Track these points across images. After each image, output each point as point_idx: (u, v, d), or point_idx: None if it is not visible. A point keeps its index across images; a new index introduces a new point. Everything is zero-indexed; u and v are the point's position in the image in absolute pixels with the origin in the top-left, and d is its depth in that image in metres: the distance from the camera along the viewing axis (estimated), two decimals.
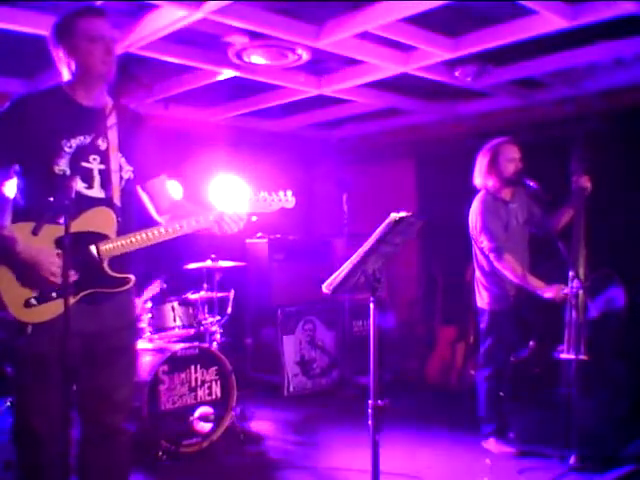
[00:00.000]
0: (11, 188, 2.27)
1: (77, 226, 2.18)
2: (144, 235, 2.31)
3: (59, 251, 2.14)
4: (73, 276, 2.14)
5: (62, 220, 1.97)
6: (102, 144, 2.30)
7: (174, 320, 4.35)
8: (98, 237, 2.24)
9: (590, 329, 3.79)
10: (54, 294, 2.15)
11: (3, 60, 4.38)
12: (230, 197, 5.53)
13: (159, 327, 4.30)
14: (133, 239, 2.28)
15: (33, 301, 2.13)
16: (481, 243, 3.85)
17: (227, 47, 4.19)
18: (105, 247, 2.24)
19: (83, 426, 2.34)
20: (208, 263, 4.55)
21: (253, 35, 3.98)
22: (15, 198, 2.26)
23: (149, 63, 4.29)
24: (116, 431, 2.37)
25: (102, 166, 2.29)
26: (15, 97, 2.26)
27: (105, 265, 2.25)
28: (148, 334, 4.25)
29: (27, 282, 2.13)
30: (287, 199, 2.58)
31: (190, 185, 5.44)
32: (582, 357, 3.64)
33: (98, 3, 3.43)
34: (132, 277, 2.33)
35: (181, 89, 5.03)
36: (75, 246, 2.14)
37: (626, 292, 4.12)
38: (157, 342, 4.28)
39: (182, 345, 4.12)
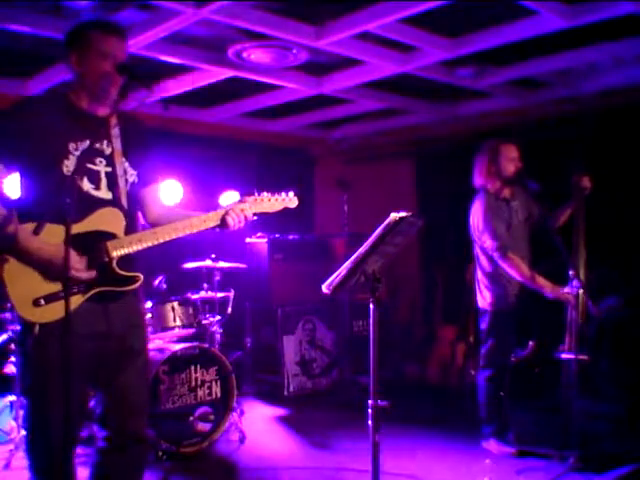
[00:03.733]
0: (11, 183, 2.27)
1: (87, 225, 2.21)
2: (152, 234, 2.32)
3: (74, 254, 2.15)
4: (91, 274, 2.18)
5: (68, 219, 1.98)
6: (107, 149, 2.32)
7: (174, 320, 4.35)
8: (107, 236, 2.26)
9: (590, 329, 3.80)
10: (62, 294, 2.15)
11: (3, 60, 4.38)
12: (229, 196, 5.55)
13: (159, 327, 4.30)
14: (142, 238, 2.30)
15: (41, 301, 2.13)
16: (484, 243, 3.84)
17: (227, 47, 4.19)
18: (115, 246, 2.25)
19: (107, 434, 2.33)
20: (208, 263, 4.55)
21: (253, 35, 3.98)
22: (19, 198, 2.26)
23: (149, 63, 4.29)
24: (140, 439, 2.36)
25: (108, 169, 2.31)
26: (17, 100, 2.27)
27: (114, 264, 2.26)
28: (148, 334, 4.25)
29: (47, 277, 2.14)
30: (290, 199, 2.62)
31: (190, 185, 5.44)
32: (582, 357, 3.65)
33: (98, 3, 3.44)
34: (141, 276, 2.34)
35: (181, 89, 5.03)
36: (85, 245, 2.18)
37: (625, 292, 4.12)
38: (157, 342, 4.28)
39: (182, 345, 4.12)
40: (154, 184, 2.53)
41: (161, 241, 2.33)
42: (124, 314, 2.34)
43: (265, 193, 2.56)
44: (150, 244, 2.31)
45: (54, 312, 2.14)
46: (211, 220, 2.43)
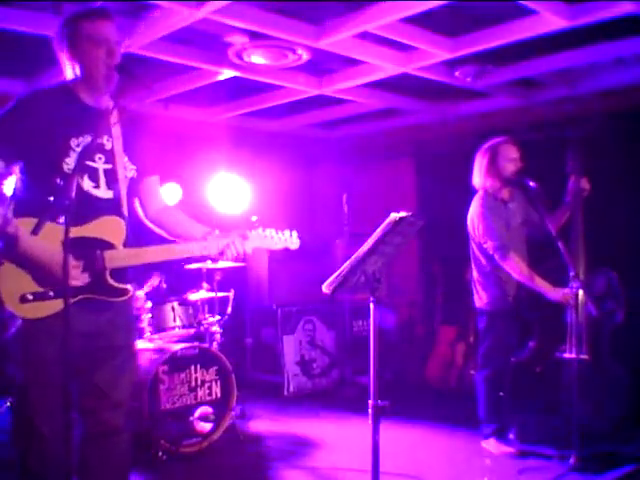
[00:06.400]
0: (10, 184, 2.27)
1: (87, 231, 2.21)
2: (151, 253, 2.33)
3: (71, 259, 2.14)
4: (84, 279, 2.18)
5: (67, 220, 1.98)
6: (107, 144, 2.32)
7: (174, 320, 4.36)
8: (105, 245, 2.25)
9: (590, 329, 3.80)
10: (51, 293, 2.15)
11: (3, 60, 4.38)
12: (229, 197, 5.55)
13: (159, 327, 4.31)
14: (139, 255, 2.31)
15: (29, 296, 2.13)
16: (485, 243, 3.82)
17: (227, 47, 4.19)
18: (111, 257, 2.25)
19: (83, 425, 2.35)
20: (208, 263, 4.56)
21: (253, 35, 3.98)
22: (17, 193, 2.24)
23: (149, 63, 4.29)
24: (115, 430, 2.37)
25: (108, 165, 2.31)
26: (22, 94, 2.25)
27: (107, 274, 2.26)
28: (148, 334, 4.25)
29: (39, 279, 2.14)
30: (292, 241, 2.64)
31: (190, 185, 5.44)
32: (583, 357, 3.64)
33: (98, 3, 3.44)
34: (130, 288, 2.34)
35: (181, 89, 5.03)
36: (82, 250, 2.17)
37: (625, 291, 4.12)
38: (157, 342, 4.28)
39: (182, 345, 4.12)
40: (152, 177, 2.53)
41: (157, 260, 2.35)
42: (113, 316, 2.33)
43: (268, 230, 2.57)
44: (146, 261, 2.32)
45: (41, 310, 2.14)
46: (211, 249, 2.43)
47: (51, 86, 2.34)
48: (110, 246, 2.26)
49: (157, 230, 2.56)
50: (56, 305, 2.12)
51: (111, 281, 2.27)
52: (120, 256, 2.27)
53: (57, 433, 2.08)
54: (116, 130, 2.34)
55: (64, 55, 2.28)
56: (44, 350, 2.15)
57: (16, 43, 3.98)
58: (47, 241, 2.09)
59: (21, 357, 2.22)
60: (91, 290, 2.23)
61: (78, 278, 2.17)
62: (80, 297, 2.21)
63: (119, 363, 2.38)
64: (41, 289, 2.14)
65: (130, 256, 2.29)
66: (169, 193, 5.10)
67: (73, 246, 2.10)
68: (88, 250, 2.21)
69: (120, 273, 2.30)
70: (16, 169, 2.25)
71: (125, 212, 2.34)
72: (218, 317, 4.58)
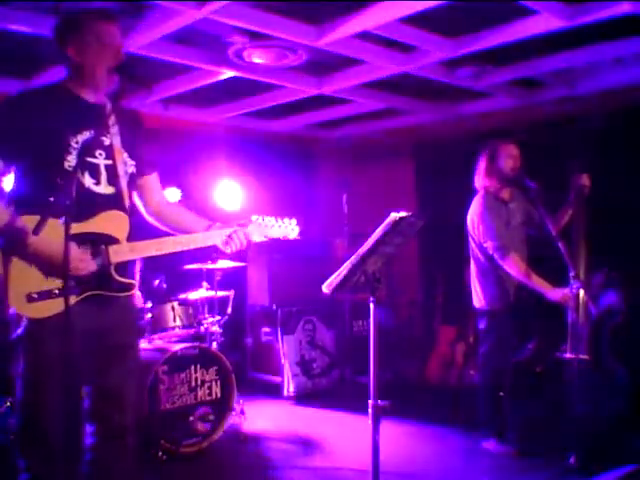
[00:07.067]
0: (8, 182, 2.26)
1: (91, 226, 2.22)
2: (155, 245, 2.35)
3: (77, 248, 2.15)
4: (93, 265, 2.18)
5: (74, 218, 1.99)
6: (106, 139, 2.32)
7: (174, 320, 4.36)
8: (110, 240, 2.26)
9: (590, 329, 3.79)
10: (56, 291, 2.15)
11: (3, 60, 4.38)
12: (229, 196, 5.55)
13: (159, 327, 4.31)
14: (144, 248, 2.32)
15: (34, 295, 2.13)
16: (484, 243, 3.83)
17: (227, 47, 4.19)
18: (116, 252, 2.25)
19: (94, 428, 2.35)
20: (208, 263, 4.56)
21: (253, 35, 3.98)
22: (15, 192, 2.24)
23: (149, 63, 4.29)
24: (124, 432, 2.37)
25: (108, 161, 2.31)
26: (16, 92, 2.25)
27: (112, 269, 2.26)
28: (148, 334, 4.25)
29: (49, 273, 2.14)
30: (292, 228, 2.72)
31: (189, 185, 5.43)
32: (583, 357, 3.64)
33: (98, 3, 3.44)
34: (135, 283, 2.36)
35: (181, 89, 5.03)
36: (87, 245, 2.18)
37: (625, 292, 4.12)
38: (157, 342, 4.28)
39: (182, 345, 4.12)
40: (152, 173, 2.54)
41: (163, 253, 2.36)
42: (117, 313, 2.34)
43: (268, 218, 2.62)
44: (150, 254, 2.34)
45: (47, 309, 2.14)
46: (215, 238, 2.47)
47: (45, 84, 2.35)
48: (114, 240, 2.27)
49: (158, 225, 2.57)
50: (61, 304, 2.10)
51: (116, 276, 2.28)
52: (124, 250, 2.27)
53: (62, 435, 2.08)
54: (114, 127, 2.34)
55: (66, 51, 2.27)
56: (52, 350, 2.13)
57: (16, 43, 3.98)
58: (52, 236, 2.09)
59: (28, 358, 2.20)
60: (97, 287, 2.24)
61: (88, 265, 2.17)
62: (87, 294, 2.22)
63: (129, 366, 2.39)
64: (47, 285, 2.14)
65: (135, 250, 2.30)
66: (169, 196, 5.11)
67: (78, 241, 2.12)
68: (93, 245, 2.22)
69: (124, 267, 2.31)
70: (12, 168, 2.24)
71: (127, 207, 2.35)
72: (218, 317, 4.59)
